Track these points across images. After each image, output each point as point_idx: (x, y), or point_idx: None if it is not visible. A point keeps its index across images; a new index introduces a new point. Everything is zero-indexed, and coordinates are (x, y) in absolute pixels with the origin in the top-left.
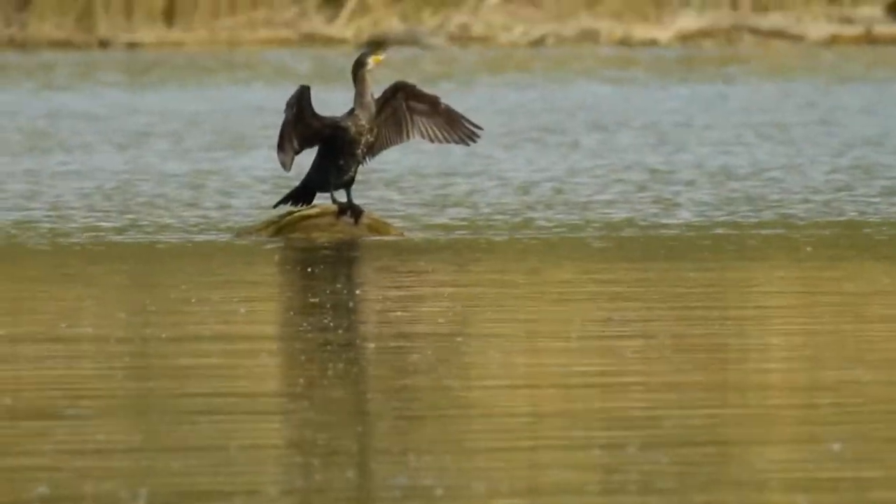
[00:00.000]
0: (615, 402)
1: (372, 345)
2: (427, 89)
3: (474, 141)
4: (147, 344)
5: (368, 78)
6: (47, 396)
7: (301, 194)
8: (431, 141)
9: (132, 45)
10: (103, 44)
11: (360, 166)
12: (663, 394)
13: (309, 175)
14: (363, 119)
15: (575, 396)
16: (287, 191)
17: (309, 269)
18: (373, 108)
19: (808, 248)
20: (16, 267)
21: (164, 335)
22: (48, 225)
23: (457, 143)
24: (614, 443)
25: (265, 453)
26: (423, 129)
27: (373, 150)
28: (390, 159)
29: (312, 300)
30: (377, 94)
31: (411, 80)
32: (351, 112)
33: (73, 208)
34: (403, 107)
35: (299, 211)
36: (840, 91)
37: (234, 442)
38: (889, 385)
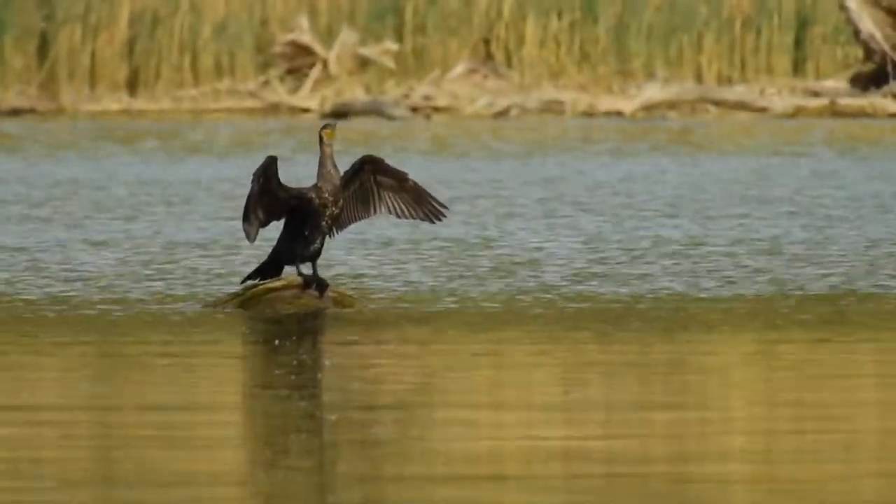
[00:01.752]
0: (576, 468)
1: (333, 416)
2: (392, 161)
3: (440, 219)
4: (110, 413)
5: (327, 150)
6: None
7: (269, 268)
8: (398, 216)
9: (96, 115)
10: (66, 112)
11: (327, 239)
12: (623, 462)
13: (276, 248)
14: (326, 190)
15: (536, 464)
16: (255, 264)
17: (274, 341)
18: (335, 180)
19: (764, 320)
20: None
21: (127, 405)
22: (15, 294)
23: (422, 220)
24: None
25: None
26: (390, 204)
27: (339, 222)
28: (357, 228)
29: (277, 371)
30: (346, 168)
31: (375, 151)
32: (314, 184)
33: (40, 277)
34: (371, 181)
35: (264, 283)
36: (802, 163)
37: None
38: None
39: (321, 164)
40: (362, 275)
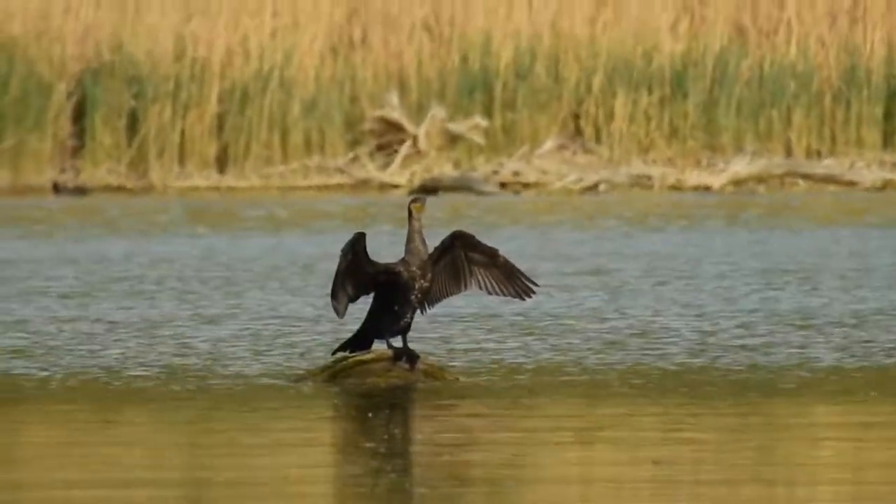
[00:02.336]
0: None
1: (423, 489)
2: (482, 236)
3: (530, 297)
4: (202, 488)
5: (416, 224)
6: None
7: (358, 341)
8: (488, 293)
9: (185, 191)
10: (155, 189)
11: (418, 313)
12: None
13: (365, 321)
14: (414, 265)
15: None
16: (345, 337)
17: (365, 414)
18: (423, 255)
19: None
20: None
21: (219, 479)
22: (108, 368)
23: (513, 297)
24: None
25: None
26: (480, 280)
27: (430, 297)
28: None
29: (367, 444)
30: (435, 243)
31: (467, 228)
32: (402, 258)
33: (140, 351)
34: (462, 256)
35: (354, 356)
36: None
37: None
38: None
39: (409, 239)
40: (453, 348)
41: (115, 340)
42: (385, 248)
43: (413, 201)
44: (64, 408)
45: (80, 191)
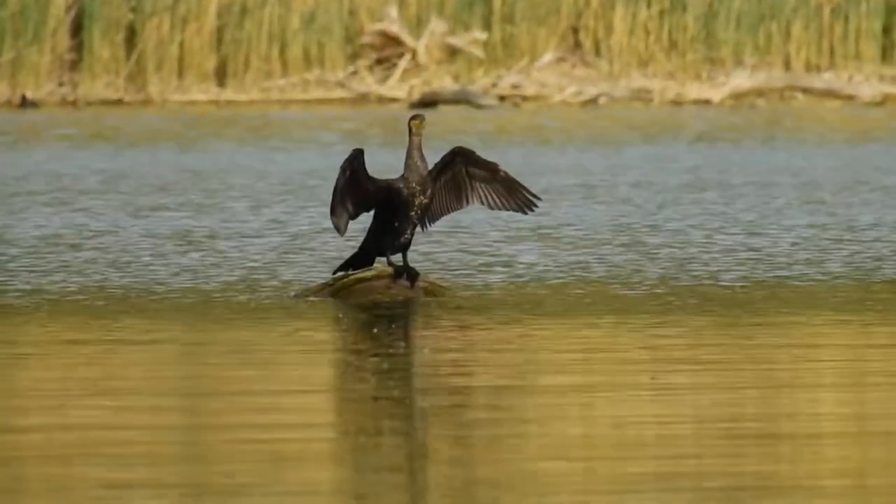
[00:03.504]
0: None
1: (425, 403)
2: (481, 151)
3: (532, 210)
4: (201, 399)
5: (415, 141)
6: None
7: (360, 259)
8: (490, 207)
9: (184, 105)
10: (154, 102)
11: (419, 230)
12: (713, 442)
13: (366, 239)
14: (413, 181)
15: (629, 450)
16: (347, 255)
17: (368, 330)
18: (423, 171)
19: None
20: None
21: (219, 391)
22: (111, 277)
23: (515, 210)
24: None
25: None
26: (482, 195)
27: (430, 214)
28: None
29: (369, 359)
30: (435, 159)
31: (465, 141)
32: (402, 175)
33: (138, 262)
34: (463, 172)
35: (355, 273)
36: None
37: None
38: None
39: (408, 156)
40: (454, 263)
41: (104, 254)
42: (383, 164)
43: (413, 118)
44: (68, 319)
45: (73, 104)
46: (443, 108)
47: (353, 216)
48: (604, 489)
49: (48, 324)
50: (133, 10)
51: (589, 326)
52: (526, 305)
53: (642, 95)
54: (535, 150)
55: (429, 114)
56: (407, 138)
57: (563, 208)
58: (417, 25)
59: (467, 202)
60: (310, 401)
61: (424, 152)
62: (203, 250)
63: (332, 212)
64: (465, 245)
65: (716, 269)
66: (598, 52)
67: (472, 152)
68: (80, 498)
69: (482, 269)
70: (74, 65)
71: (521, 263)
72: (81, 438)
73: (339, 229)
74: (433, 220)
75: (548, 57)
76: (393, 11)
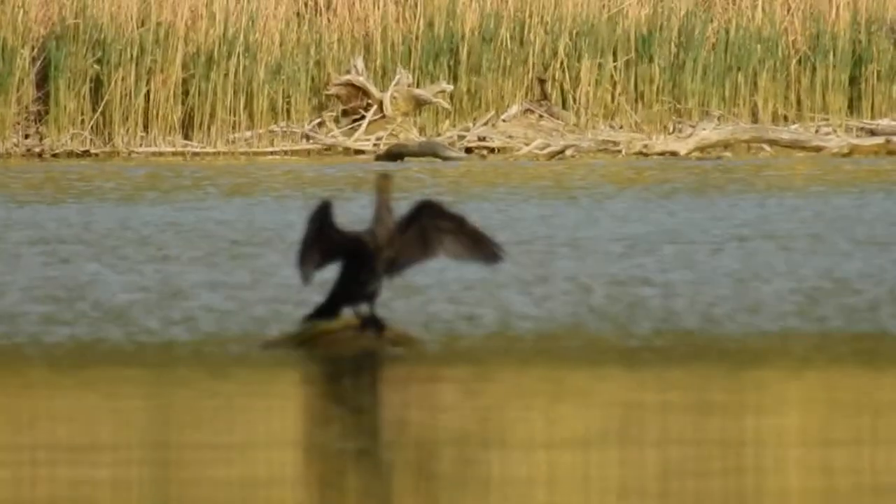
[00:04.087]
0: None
1: (390, 454)
2: (449, 203)
3: (498, 263)
4: (165, 451)
5: (382, 197)
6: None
7: (326, 309)
8: (456, 259)
9: (150, 157)
10: (120, 154)
11: (385, 281)
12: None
13: (333, 289)
14: (379, 235)
15: (595, 499)
16: (312, 305)
17: (332, 382)
18: (389, 224)
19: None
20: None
21: (182, 443)
22: (78, 329)
23: (481, 262)
24: None
25: None
26: (448, 247)
27: (397, 266)
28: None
29: (334, 411)
30: (403, 210)
31: (431, 194)
32: (368, 227)
33: (104, 315)
34: (430, 225)
35: (321, 324)
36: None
37: None
38: None
39: (376, 210)
40: (421, 315)
41: (76, 306)
42: (351, 215)
43: (381, 177)
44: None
45: (40, 156)
46: (409, 161)
47: (320, 266)
48: None
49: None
50: (98, 61)
51: (560, 375)
52: (495, 355)
53: (609, 147)
54: (501, 203)
55: (396, 166)
56: (374, 191)
57: (532, 259)
58: (384, 77)
59: (434, 254)
60: (273, 454)
61: (392, 205)
62: (165, 302)
63: (300, 262)
64: (433, 296)
65: (691, 321)
66: (564, 104)
67: (439, 204)
68: None
69: (451, 319)
70: (40, 116)
71: (490, 314)
72: (47, 492)
73: (305, 279)
74: (400, 270)
75: (514, 108)
76: (359, 63)
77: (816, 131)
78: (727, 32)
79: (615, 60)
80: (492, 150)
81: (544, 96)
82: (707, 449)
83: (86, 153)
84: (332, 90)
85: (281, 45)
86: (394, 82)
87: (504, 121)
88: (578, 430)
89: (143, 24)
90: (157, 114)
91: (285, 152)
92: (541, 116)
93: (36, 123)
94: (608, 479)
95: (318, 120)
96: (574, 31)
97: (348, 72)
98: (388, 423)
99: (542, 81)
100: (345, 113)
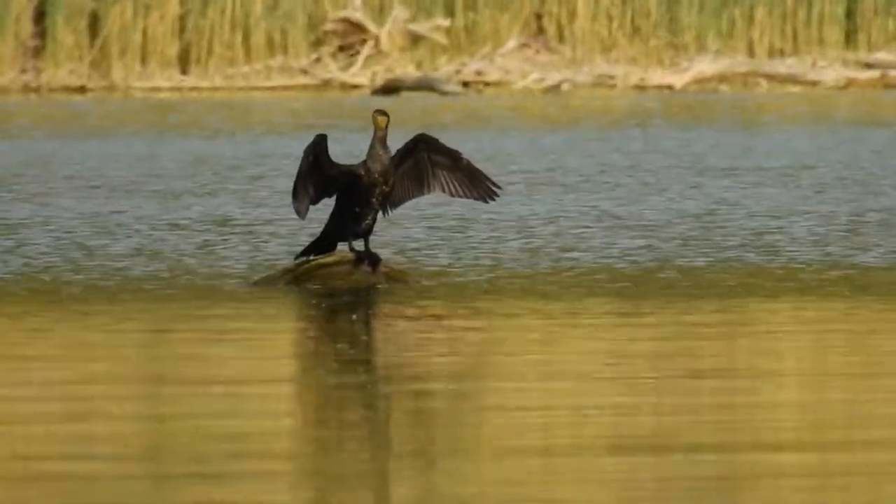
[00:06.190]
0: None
1: (386, 389)
2: (444, 137)
3: (493, 199)
4: (163, 387)
5: (378, 133)
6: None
7: (321, 244)
8: (451, 195)
9: (147, 92)
10: (117, 89)
11: (380, 216)
12: (673, 419)
13: (327, 224)
14: (374, 169)
15: (587, 431)
16: (308, 241)
17: (327, 317)
18: (384, 159)
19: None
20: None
21: (180, 379)
22: (66, 265)
23: (476, 199)
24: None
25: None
26: (443, 182)
27: (392, 200)
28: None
29: (329, 346)
30: (398, 145)
31: (427, 129)
32: (363, 161)
33: (96, 250)
34: (425, 159)
35: (316, 259)
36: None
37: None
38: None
39: (371, 145)
40: (416, 249)
41: (68, 239)
42: (347, 150)
43: (377, 112)
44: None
45: (36, 91)
46: (406, 95)
47: (315, 201)
48: (564, 479)
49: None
50: None
51: (550, 311)
52: (490, 291)
53: (605, 81)
54: (498, 136)
55: (392, 100)
56: (371, 125)
57: (524, 196)
58: (380, 13)
59: (429, 189)
60: (266, 389)
61: (388, 141)
62: (165, 237)
63: (294, 196)
64: (429, 231)
65: (693, 254)
66: (561, 38)
67: (436, 140)
68: (42, 492)
69: (448, 254)
70: (38, 52)
71: (486, 250)
72: (43, 429)
73: (301, 213)
74: (395, 206)
75: (511, 43)
76: None
77: (813, 65)
78: None
79: None
80: (488, 84)
81: (541, 31)
82: (700, 382)
83: (82, 88)
84: (329, 26)
85: None
86: (390, 17)
87: (501, 55)
88: (570, 365)
89: None
90: (155, 49)
91: (282, 87)
92: (537, 51)
93: (33, 59)
94: (603, 412)
95: (316, 56)
96: None
97: (345, 7)
98: (382, 359)
99: (538, 16)
100: (341, 48)
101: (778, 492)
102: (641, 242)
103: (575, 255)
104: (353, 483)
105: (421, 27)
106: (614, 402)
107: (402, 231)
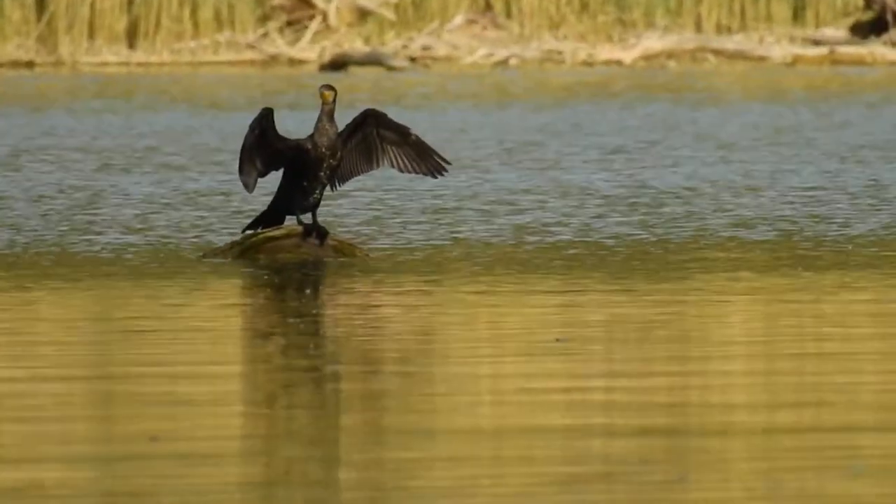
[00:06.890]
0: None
1: (334, 366)
2: (392, 113)
3: (443, 175)
4: (107, 366)
5: (325, 107)
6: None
7: (269, 217)
8: (400, 171)
9: (94, 67)
10: (64, 64)
11: (328, 190)
12: (622, 399)
13: (275, 197)
14: (321, 143)
15: (537, 410)
16: (255, 214)
17: (274, 290)
18: (332, 133)
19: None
20: None
21: (126, 357)
22: (15, 238)
23: (425, 174)
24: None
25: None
26: (392, 157)
27: (340, 175)
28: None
29: (277, 320)
30: (347, 120)
31: (375, 104)
32: (311, 135)
33: (41, 224)
34: (374, 134)
35: (264, 232)
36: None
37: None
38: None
39: (318, 119)
40: (363, 222)
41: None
42: (293, 125)
43: (323, 87)
44: None
45: None
46: (354, 70)
47: (262, 174)
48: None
49: None
50: None
51: (497, 288)
52: (438, 266)
53: (553, 57)
54: (445, 112)
55: (339, 76)
56: (318, 101)
57: (474, 171)
58: None
59: (377, 164)
60: (216, 369)
61: (334, 115)
62: (114, 210)
63: (241, 169)
64: (378, 205)
65: (634, 228)
66: (508, 14)
67: (384, 115)
68: None
69: (394, 229)
70: None
71: (437, 224)
72: None
73: (248, 186)
74: (343, 180)
75: (458, 19)
76: None
77: (760, 41)
78: None
79: None
80: (435, 60)
81: (488, 7)
82: (654, 356)
83: (30, 63)
84: (277, 1)
85: None
86: None
87: (448, 31)
88: (515, 341)
89: None
90: (103, 23)
91: (230, 62)
92: (485, 27)
93: None
94: (550, 390)
95: (263, 31)
96: None
97: None
98: (330, 334)
99: None
100: (289, 23)
101: (725, 454)
102: (595, 215)
103: (529, 227)
104: (302, 465)
105: (369, 2)
106: (567, 376)
107: (350, 204)
